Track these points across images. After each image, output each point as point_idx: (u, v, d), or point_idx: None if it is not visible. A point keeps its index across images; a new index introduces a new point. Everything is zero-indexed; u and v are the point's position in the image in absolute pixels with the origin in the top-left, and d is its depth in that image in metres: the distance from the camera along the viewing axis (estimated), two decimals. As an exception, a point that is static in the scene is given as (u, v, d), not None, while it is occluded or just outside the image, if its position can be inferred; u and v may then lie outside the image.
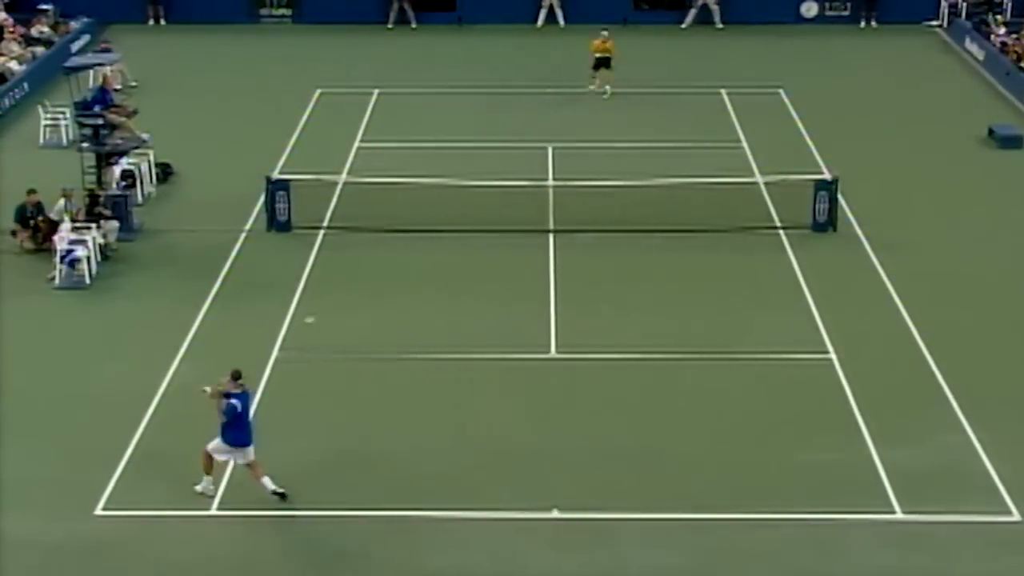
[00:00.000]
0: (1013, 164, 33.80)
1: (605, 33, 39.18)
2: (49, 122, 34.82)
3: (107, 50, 38.50)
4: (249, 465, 19.78)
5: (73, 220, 27.60)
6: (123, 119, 31.51)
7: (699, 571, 18.59)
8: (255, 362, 23.63)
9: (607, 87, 38.70)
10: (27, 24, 42.29)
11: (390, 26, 46.45)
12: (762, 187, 31.07)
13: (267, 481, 19.66)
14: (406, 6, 46.61)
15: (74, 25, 43.78)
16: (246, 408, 19.70)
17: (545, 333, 24.91)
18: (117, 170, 30.40)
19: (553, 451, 21.21)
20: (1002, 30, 42.64)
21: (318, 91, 38.83)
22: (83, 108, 30.35)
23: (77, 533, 19.19)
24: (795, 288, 26.74)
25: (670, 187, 30.04)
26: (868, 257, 28.08)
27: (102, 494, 19.95)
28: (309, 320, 25.36)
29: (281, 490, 19.67)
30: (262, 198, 29.74)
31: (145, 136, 31.59)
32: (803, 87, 39.36)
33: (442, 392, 23.00)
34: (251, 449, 19.73)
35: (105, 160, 30.14)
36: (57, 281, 26.87)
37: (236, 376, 19.73)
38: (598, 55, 38.85)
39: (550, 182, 31.32)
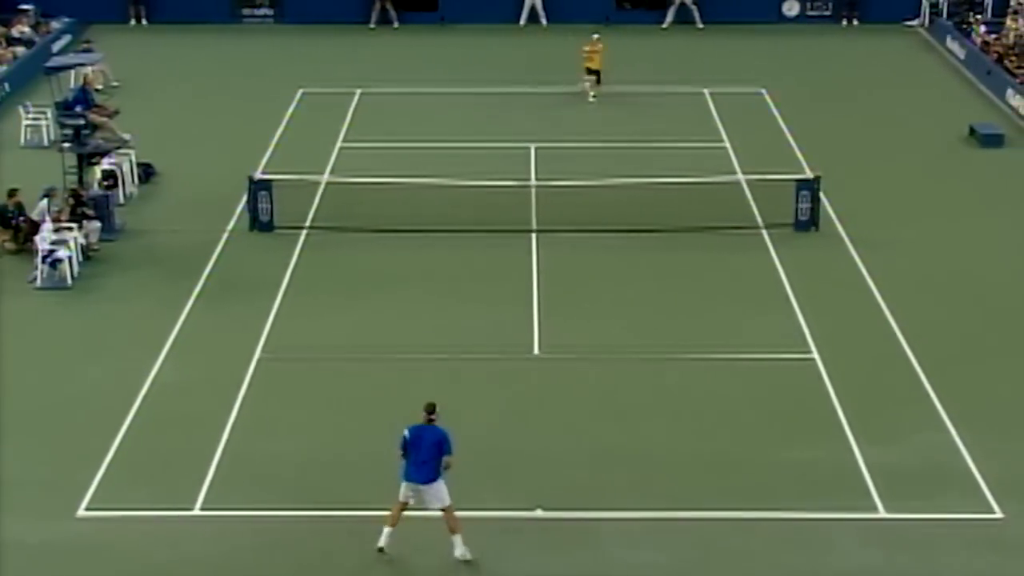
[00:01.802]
0: (994, 162, 33.90)
1: (595, 36, 39.03)
2: (30, 122, 34.72)
3: (88, 50, 38.44)
4: (443, 510, 18.48)
5: (56, 220, 27.52)
6: (105, 119, 31.51)
7: (683, 570, 18.60)
8: (237, 362, 23.65)
9: (586, 88, 38.66)
10: (8, 24, 42.17)
11: (372, 26, 46.43)
12: (744, 186, 31.12)
13: (457, 541, 18.41)
14: (388, 6, 46.58)
15: (55, 25, 43.73)
16: (414, 441, 18.33)
17: (528, 333, 24.90)
18: (99, 170, 30.34)
19: (536, 451, 21.21)
20: (983, 28, 42.75)
21: (300, 91, 38.79)
22: (64, 108, 30.29)
23: (60, 534, 19.13)
24: (777, 287, 26.78)
25: (652, 187, 30.07)
26: (850, 256, 28.13)
27: (85, 494, 19.89)
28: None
29: (468, 557, 18.39)
30: (244, 198, 29.68)
31: (127, 136, 31.60)
32: (785, 86, 39.43)
33: (425, 392, 22.70)
34: (429, 490, 18.34)
35: (87, 160, 30.08)
36: (39, 282, 26.79)
37: (428, 409, 18.56)
38: (591, 65, 38.71)
39: (533, 182, 31.32)
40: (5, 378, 23.29)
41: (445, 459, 18.40)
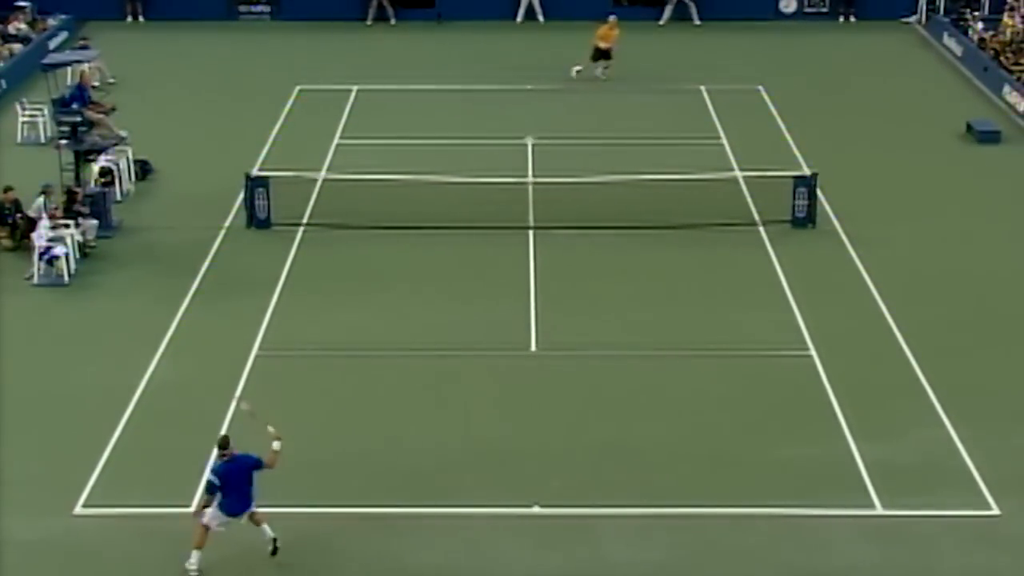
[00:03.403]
0: (991, 159, 33.91)
1: (613, 18, 39.33)
2: (27, 119, 34.71)
3: (85, 47, 38.40)
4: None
5: (53, 217, 27.51)
6: (101, 116, 31.45)
7: (680, 567, 18.61)
8: (235, 359, 23.64)
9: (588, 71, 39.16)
10: (4, 21, 42.13)
11: (369, 23, 46.38)
12: (741, 183, 31.11)
13: (267, 528, 18.63)
14: (385, 3, 46.53)
15: (52, 22, 43.63)
16: (226, 478, 18.17)
17: (525, 330, 24.91)
18: (95, 167, 30.32)
19: (533, 447, 21.22)
20: (979, 25, 42.76)
21: (297, 88, 38.76)
22: (61, 105, 30.25)
23: (57, 531, 19.14)
24: (775, 284, 26.78)
25: (650, 183, 30.08)
26: (847, 253, 28.13)
27: (82, 492, 19.91)
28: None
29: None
30: (241, 195, 29.65)
31: (123, 133, 31.55)
32: (782, 83, 39.41)
33: (422, 389, 22.99)
34: (244, 515, 18.51)
35: (83, 157, 30.05)
36: (36, 279, 26.78)
37: (222, 445, 18.39)
38: (602, 45, 39.11)
39: (530, 178, 31.30)
40: (2, 375, 23.28)
41: (271, 459, 18.37)
